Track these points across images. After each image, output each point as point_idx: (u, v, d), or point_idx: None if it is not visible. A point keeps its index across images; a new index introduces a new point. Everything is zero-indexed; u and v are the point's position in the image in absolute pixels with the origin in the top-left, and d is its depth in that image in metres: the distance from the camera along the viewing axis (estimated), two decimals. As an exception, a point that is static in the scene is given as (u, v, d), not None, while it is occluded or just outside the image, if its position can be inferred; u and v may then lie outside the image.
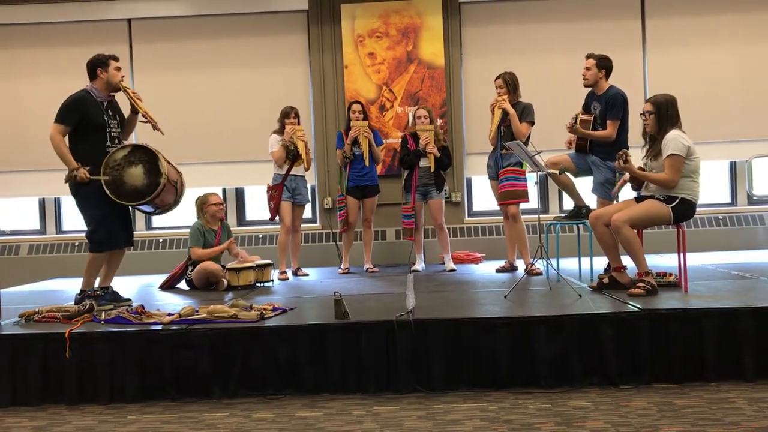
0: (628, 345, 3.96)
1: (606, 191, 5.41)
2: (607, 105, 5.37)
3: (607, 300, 4.49)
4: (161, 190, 4.89)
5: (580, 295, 4.62)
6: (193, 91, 8.01)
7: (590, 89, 5.57)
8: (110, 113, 5.03)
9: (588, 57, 5.51)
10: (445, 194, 6.88)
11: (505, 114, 6.12)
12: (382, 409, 3.69)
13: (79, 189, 4.91)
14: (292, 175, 6.67)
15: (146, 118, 5.11)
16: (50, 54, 7.96)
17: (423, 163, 6.61)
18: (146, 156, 4.92)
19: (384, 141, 7.56)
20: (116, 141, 5.04)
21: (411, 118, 7.26)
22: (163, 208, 5.21)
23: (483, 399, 3.78)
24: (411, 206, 6.65)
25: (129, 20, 8.03)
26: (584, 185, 5.70)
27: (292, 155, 6.59)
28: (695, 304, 4.26)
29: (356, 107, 6.77)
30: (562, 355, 3.96)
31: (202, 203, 6.21)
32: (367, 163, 6.71)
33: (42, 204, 8.27)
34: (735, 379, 3.90)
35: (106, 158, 4.85)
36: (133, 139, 7.31)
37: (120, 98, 5.18)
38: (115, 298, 5.11)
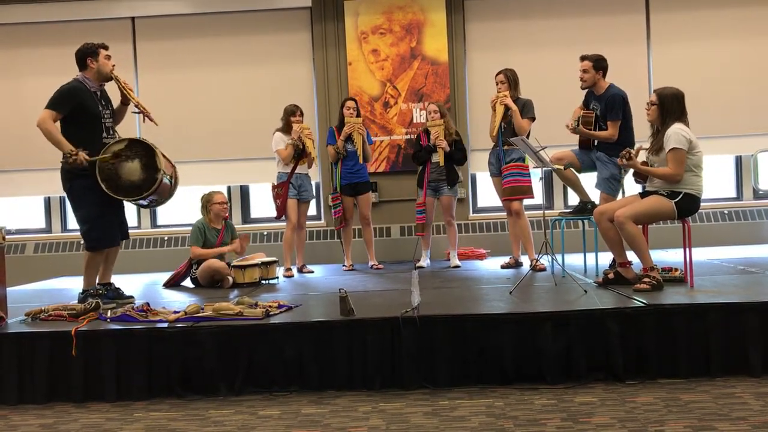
0: (633, 340, 3.96)
1: (610, 187, 5.40)
2: (607, 106, 5.34)
3: (612, 295, 4.48)
4: (158, 185, 4.85)
5: (585, 291, 4.62)
6: (196, 89, 8.02)
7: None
8: (103, 103, 4.97)
9: (583, 59, 5.43)
10: (458, 192, 6.83)
11: (506, 110, 6.11)
12: (388, 406, 3.69)
13: (73, 184, 4.84)
14: (297, 173, 6.67)
15: (138, 108, 5.05)
16: (53, 53, 7.96)
17: (434, 158, 6.59)
18: (143, 150, 4.85)
19: (374, 139, 7.58)
20: (110, 131, 4.98)
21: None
22: (158, 201, 5.18)
23: (489, 395, 3.78)
24: (422, 202, 6.64)
25: (132, 18, 8.03)
26: (588, 181, 5.69)
27: (298, 153, 6.60)
28: (701, 299, 4.25)
29: (350, 104, 6.75)
30: (568, 351, 3.95)
31: (206, 201, 6.20)
32: (361, 161, 6.71)
33: (47, 203, 8.30)
34: (741, 374, 3.89)
35: (102, 152, 4.77)
36: (135, 132, 7.35)
37: (109, 87, 5.09)
38: (118, 295, 5.09)
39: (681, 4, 7.81)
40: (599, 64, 5.40)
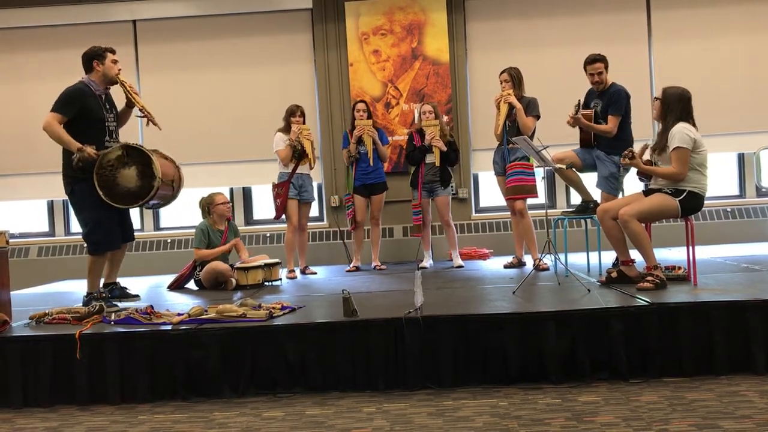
0: (637, 339, 3.95)
1: (610, 185, 5.41)
2: (610, 100, 5.35)
3: (615, 294, 4.48)
4: (155, 193, 4.84)
5: (588, 290, 4.61)
6: (198, 91, 8.04)
7: (590, 87, 5.55)
8: (107, 106, 4.99)
9: (594, 61, 5.42)
10: (452, 190, 6.86)
11: (510, 108, 6.11)
12: (392, 406, 3.69)
13: (74, 188, 4.85)
14: (298, 173, 6.67)
15: (143, 112, 5.05)
16: (56, 57, 7.98)
17: (429, 159, 6.59)
18: (139, 157, 4.83)
19: (390, 139, 7.57)
20: (114, 135, 4.99)
21: (417, 115, 7.25)
22: (160, 205, 5.20)
23: (493, 395, 3.78)
24: (418, 203, 6.64)
25: (134, 21, 8.06)
26: (590, 180, 5.69)
27: (297, 154, 6.60)
28: (705, 297, 4.25)
29: (360, 106, 6.77)
30: (572, 350, 3.95)
31: (208, 204, 6.21)
32: (371, 162, 6.71)
33: (50, 206, 8.31)
34: (746, 372, 3.88)
35: (99, 158, 4.76)
36: (138, 135, 7.37)
37: (114, 91, 5.11)
38: (123, 294, 5.11)
39: (682, 2, 7.80)
40: (607, 62, 5.43)
